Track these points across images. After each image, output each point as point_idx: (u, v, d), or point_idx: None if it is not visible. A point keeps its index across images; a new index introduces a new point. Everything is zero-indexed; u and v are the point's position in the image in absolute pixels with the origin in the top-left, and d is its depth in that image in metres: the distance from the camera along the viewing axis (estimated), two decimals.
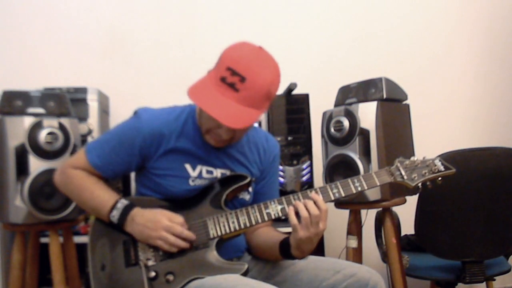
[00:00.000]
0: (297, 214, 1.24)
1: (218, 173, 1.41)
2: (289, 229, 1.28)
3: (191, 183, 1.37)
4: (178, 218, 1.29)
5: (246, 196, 1.45)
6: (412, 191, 1.87)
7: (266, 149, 1.51)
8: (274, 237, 1.38)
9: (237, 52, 1.26)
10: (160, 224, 1.26)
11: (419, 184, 1.36)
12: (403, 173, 1.35)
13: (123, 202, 1.31)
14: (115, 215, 1.30)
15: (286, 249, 1.30)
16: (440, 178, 1.36)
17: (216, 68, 1.27)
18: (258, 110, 1.26)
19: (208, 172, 1.39)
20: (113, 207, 1.30)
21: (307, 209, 1.22)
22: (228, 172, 1.42)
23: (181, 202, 1.36)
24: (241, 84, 1.21)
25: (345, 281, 1.29)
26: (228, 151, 1.43)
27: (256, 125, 2.18)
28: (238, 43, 1.29)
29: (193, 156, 1.38)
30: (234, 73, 1.21)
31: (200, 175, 1.38)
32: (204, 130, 1.34)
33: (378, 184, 1.34)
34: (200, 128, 1.37)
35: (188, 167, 1.37)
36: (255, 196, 1.49)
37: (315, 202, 1.24)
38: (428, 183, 1.37)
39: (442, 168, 1.36)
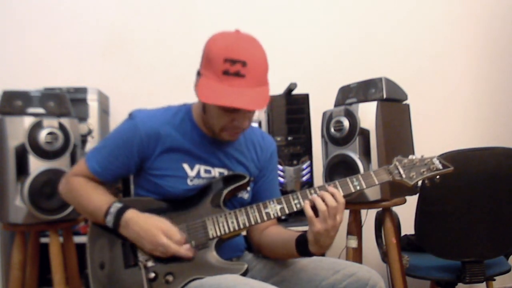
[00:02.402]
0: (313, 208, 1.23)
1: (216, 172, 1.40)
2: (300, 228, 1.28)
3: (189, 182, 1.36)
4: (176, 235, 1.26)
5: (245, 195, 1.45)
6: (411, 191, 1.88)
7: (263, 146, 1.52)
8: (287, 235, 1.36)
9: (225, 42, 1.26)
10: (157, 240, 1.24)
11: (418, 183, 1.35)
12: (401, 171, 1.34)
13: (116, 206, 1.29)
14: (109, 220, 1.29)
15: (303, 246, 1.28)
16: (438, 177, 1.36)
17: (208, 66, 1.27)
18: (266, 86, 1.29)
19: (206, 171, 1.39)
20: (107, 211, 1.29)
21: (324, 201, 1.22)
22: (226, 171, 1.42)
23: (180, 202, 1.36)
24: (245, 68, 1.23)
25: (344, 280, 1.29)
26: (226, 150, 1.43)
27: (255, 125, 2.19)
28: (218, 34, 1.30)
29: (191, 155, 1.37)
30: (233, 61, 1.23)
31: (198, 175, 1.38)
32: (219, 129, 1.33)
33: (377, 183, 1.33)
34: (210, 129, 1.36)
35: (186, 166, 1.37)
36: (256, 194, 1.49)
37: (332, 195, 1.23)
38: (426, 181, 1.37)
39: (440, 166, 1.35)
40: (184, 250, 1.26)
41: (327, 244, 1.25)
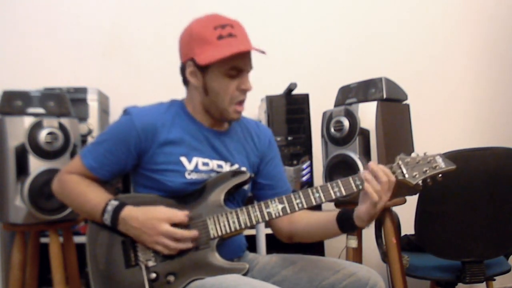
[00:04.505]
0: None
1: (214, 164, 1.39)
2: None
3: (187, 176, 1.35)
4: (178, 215, 1.27)
5: (245, 186, 1.44)
6: (412, 190, 1.87)
7: (259, 134, 1.53)
8: (322, 217, 1.38)
9: (202, 20, 1.39)
10: (158, 229, 1.24)
11: (420, 182, 1.34)
12: (404, 171, 1.32)
13: (113, 204, 1.29)
14: (107, 218, 1.28)
15: (348, 221, 1.30)
16: (440, 175, 1.35)
17: (199, 44, 1.33)
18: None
19: (204, 164, 1.38)
20: (104, 210, 1.28)
21: (377, 179, 1.24)
22: (224, 163, 1.41)
23: (180, 200, 1.35)
24: (234, 29, 1.34)
25: (344, 280, 1.29)
26: (224, 141, 1.43)
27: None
28: (188, 26, 1.41)
29: (188, 147, 1.37)
30: (223, 26, 1.33)
31: (196, 168, 1.36)
32: (228, 101, 1.35)
33: None
34: (219, 106, 1.36)
35: (183, 160, 1.36)
36: (264, 181, 1.50)
37: (381, 172, 1.25)
38: (428, 180, 1.35)
39: (443, 165, 1.33)
40: (188, 232, 1.26)
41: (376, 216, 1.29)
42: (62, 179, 1.38)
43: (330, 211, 1.37)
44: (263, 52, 1.33)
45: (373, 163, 1.28)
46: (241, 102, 1.38)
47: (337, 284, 1.29)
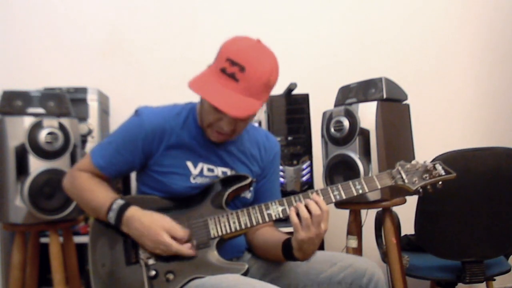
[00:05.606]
0: (298, 214, 1.23)
1: (219, 171, 1.41)
2: (290, 229, 1.28)
3: (192, 180, 1.37)
4: (179, 232, 1.26)
5: (248, 195, 1.45)
6: (412, 193, 1.88)
7: (267, 147, 1.52)
8: (276, 238, 1.37)
9: (236, 44, 1.28)
10: (158, 238, 1.24)
11: (420, 188, 1.36)
12: (404, 176, 1.35)
13: (118, 203, 1.30)
14: (111, 216, 1.29)
15: (288, 251, 1.29)
16: (440, 182, 1.36)
17: (216, 60, 1.29)
18: (258, 100, 1.26)
19: (209, 170, 1.40)
20: (110, 208, 1.30)
21: (308, 209, 1.22)
22: (229, 171, 1.42)
23: (182, 201, 1.36)
24: (241, 73, 1.22)
25: (341, 272, 1.30)
26: (230, 149, 1.43)
27: (256, 124, 2.19)
28: (237, 37, 1.31)
29: (194, 153, 1.38)
30: (234, 63, 1.23)
31: (201, 173, 1.38)
32: (206, 124, 1.35)
33: (379, 187, 1.34)
34: (201, 124, 1.37)
35: (189, 164, 1.38)
36: (256, 194, 1.50)
37: (316, 203, 1.23)
38: (428, 186, 1.37)
39: (442, 172, 1.36)
40: (186, 248, 1.26)
41: (311, 251, 1.26)
42: (73, 176, 1.41)
43: (286, 234, 1.36)
44: (238, 118, 1.26)
45: (316, 196, 1.26)
46: (219, 133, 1.34)
47: (334, 276, 1.30)
